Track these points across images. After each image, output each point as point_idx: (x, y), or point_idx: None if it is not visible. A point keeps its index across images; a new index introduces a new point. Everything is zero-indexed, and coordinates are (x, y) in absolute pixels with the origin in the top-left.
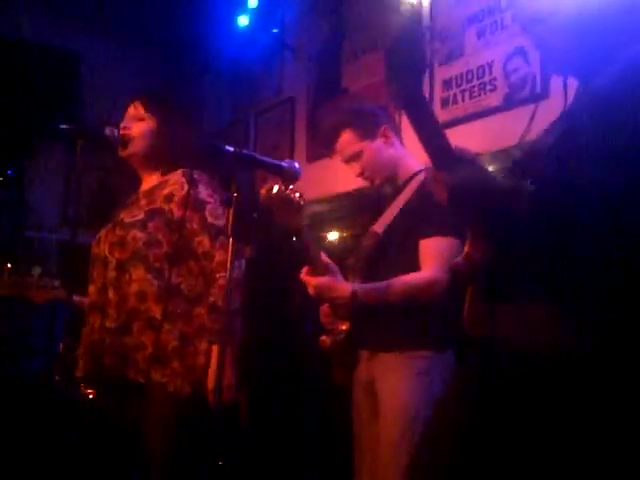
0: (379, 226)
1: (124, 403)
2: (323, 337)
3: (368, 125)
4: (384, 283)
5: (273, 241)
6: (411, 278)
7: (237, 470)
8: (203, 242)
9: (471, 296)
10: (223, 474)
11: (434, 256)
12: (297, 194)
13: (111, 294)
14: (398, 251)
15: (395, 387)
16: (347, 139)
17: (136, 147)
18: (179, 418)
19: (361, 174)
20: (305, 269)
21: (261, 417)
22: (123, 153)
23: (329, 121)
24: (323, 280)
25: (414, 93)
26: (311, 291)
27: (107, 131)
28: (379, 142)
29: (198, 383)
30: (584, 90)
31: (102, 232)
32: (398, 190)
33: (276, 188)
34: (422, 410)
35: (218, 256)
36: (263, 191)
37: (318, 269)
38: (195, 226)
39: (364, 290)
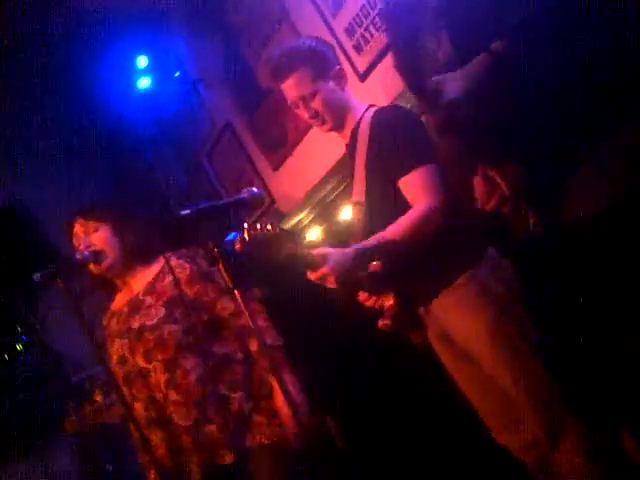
0: (357, 192)
1: None
2: (380, 322)
3: (323, 64)
4: (379, 234)
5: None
6: (409, 216)
7: None
8: (226, 305)
9: None
10: None
11: (422, 187)
12: (269, 226)
13: (174, 396)
14: (386, 206)
15: (465, 322)
16: (301, 77)
17: (110, 258)
18: (286, 464)
19: (313, 117)
20: (310, 274)
21: (359, 431)
22: (101, 269)
23: (280, 55)
24: (327, 267)
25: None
26: (331, 284)
27: (78, 256)
28: (332, 83)
29: (284, 425)
30: None
31: (119, 350)
32: (353, 142)
33: (246, 235)
34: (502, 322)
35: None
36: (237, 246)
37: (318, 265)
38: (212, 295)
39: (365, 243)
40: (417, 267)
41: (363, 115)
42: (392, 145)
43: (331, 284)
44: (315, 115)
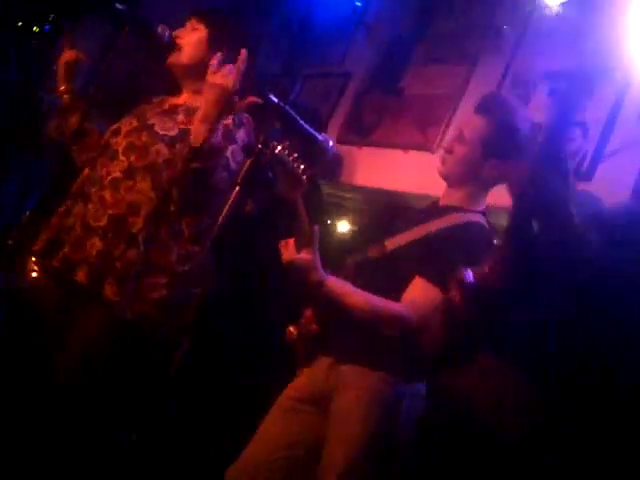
0: (392, 243)
1: (61, 298)
2: (290, 328)
3: (503, 146)
4: (358, 290)
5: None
6: (385, 303)
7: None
8: (220, 179)
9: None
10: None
11: (419, 299)
12: (302, 166)
13: (107, 194)
14: (393, 275)
15: (350, 409)
16: (480, 126)
17: (183, 56)
18: (107, 340)
19: (445, 151)
20: (293, 239)
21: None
22: (170, 60)
23: (497, 99)
24: (299, 260)
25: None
26: (284, 264)
27: (159, 29)
28: (485, 163)
29: (143, 315)
30: None
31: (125, 124)
32: (431, 214)
33: (279, 148)
34: (380, 440)
35: None
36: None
37: (302, 240)
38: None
39: (333, 283)
40: (359, 329)
41: (465, 211)
42: (440, 253)
43: (285, 262)
44: (447, 151)
